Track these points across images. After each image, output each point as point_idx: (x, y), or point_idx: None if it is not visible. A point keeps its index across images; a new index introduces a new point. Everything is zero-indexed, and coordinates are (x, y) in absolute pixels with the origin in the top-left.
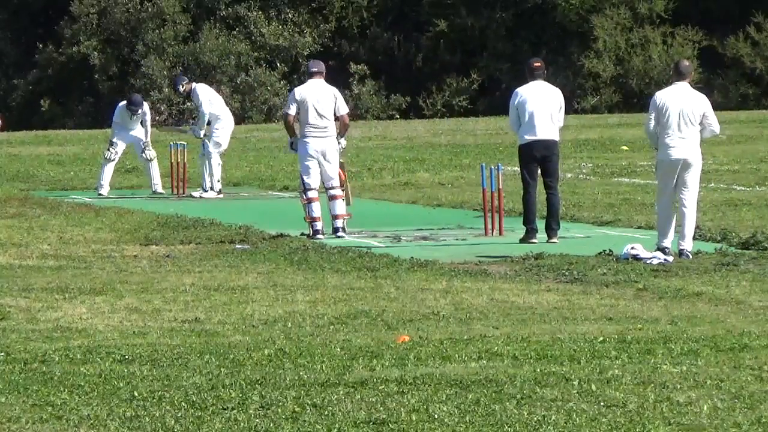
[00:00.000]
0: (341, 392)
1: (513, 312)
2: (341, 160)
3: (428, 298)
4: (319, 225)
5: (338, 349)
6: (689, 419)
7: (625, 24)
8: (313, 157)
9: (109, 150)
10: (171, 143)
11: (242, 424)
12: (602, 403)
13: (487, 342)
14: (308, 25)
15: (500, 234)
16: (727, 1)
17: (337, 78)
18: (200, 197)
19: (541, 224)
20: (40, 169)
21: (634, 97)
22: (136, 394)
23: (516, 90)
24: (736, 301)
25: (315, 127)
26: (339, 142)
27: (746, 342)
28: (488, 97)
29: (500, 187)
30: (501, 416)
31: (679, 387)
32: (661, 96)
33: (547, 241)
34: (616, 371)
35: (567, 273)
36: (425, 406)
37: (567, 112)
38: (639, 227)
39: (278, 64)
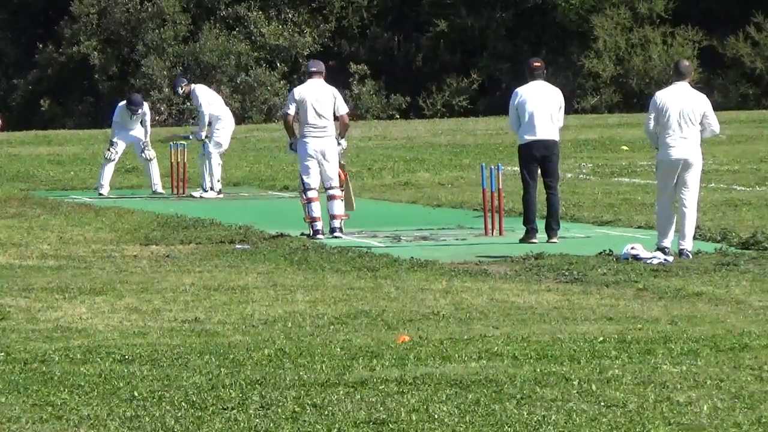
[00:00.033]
0: (341, 392)
1: (513, 312)
2: (342, 162)
3: (428, 298)
4: (319, 225)
5: (338, 349)
6: (689, 419)
7: (625, 24)
8: (313, 157)
9: (109, 150)
10: (171, 143)
11: (242, 424)
12: (602, 403)
13: (487, 342)
14: (308, 25)
15: (500, 234)
16: (727, 1)
17: (337, 78)
18: (200, 197)
19: (541, 224)
20: (40, 169)
21: (634, 97)
22: (136, 394)
23: (516, 90)
24: (736, 301)
25: (314, 127)
26: (340, 143)
27: (746, 342)
28: (488, 97)
29: (500, 187)
30: (501, 416)
31: (679, 387)
32: (662, 96)
33: (547, 241)
34: (616, 371)
35: (567, 273)
36: (425, 406)
37: (567, 112)
38: (639, 227)
39: (278, 64)
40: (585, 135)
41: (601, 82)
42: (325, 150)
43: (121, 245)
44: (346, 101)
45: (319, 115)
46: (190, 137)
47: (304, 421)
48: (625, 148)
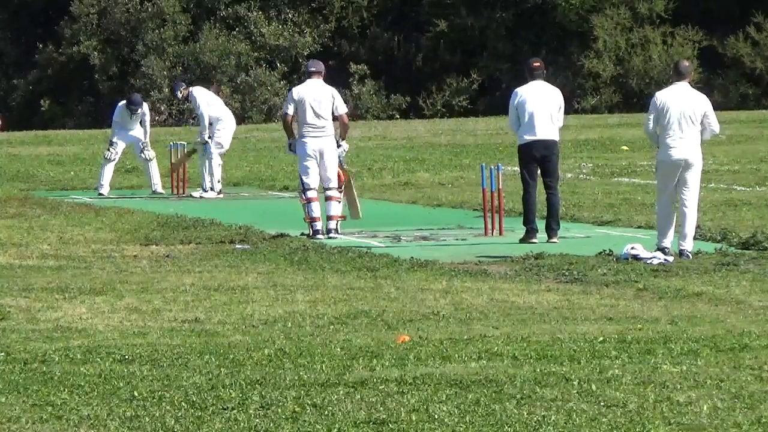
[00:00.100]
0: (341, 392)
1: (513, 312)
2: (345, 167)
3: (428, 298)
4: (318, 225)
5: (338, 349)
6: (689, 419)
7: (625, 24)
8: (312, 157)
9: (109, 150)
10: (171, 143)
11: (242, 424)
12: (602, 403)
13: (487, 342)
14: (308, 25)
15: (500, 234)
16: (727, 1)
17: (337, 78)
18: (200, 197)
19: (541, 224)
20: (40, 169)
21: (634, 97)
22: (136, 394)
23: (516, 90)
24: (736, 301)
25: (313, 127)
26: (341, 145)
27: (746, 342)
28: (488, 97)
29: (500, 187)
30: (501, 416)
31: (679, 387)
32: (662, 96)
33: (547, 241)
34: (616, 371)
35: (567, 273)
36: (425, 406)
37: (567, 112)
38: (639, 227)
39: (278, 64)
40: (585, 135)
41: (601, 82)
42: (323, 149)
43: (121, 245)
44: (346, 101)
45: (318, 115)
46: (196, 145)
47: (304, 421)
48: (625, 148)
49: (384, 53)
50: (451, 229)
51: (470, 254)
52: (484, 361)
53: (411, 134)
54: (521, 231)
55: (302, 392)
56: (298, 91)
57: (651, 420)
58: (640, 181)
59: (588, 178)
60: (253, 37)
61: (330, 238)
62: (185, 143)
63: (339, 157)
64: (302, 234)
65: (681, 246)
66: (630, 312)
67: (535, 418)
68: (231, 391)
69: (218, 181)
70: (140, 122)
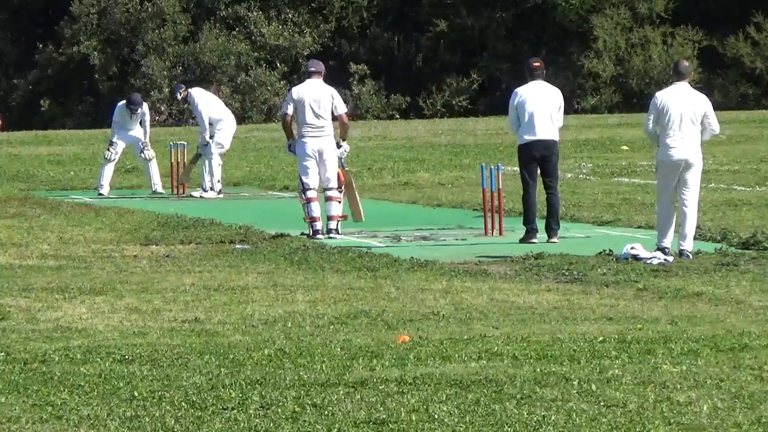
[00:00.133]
0: (341, 392)
1: (513, 312)
2: (347, 169)
3: (428, 298)
4: (318, 225)
5: (338, 349)
6: (689, 419)
7: (625, 24)
8: (311, 157)
9: (108, 150)
10: (171, 143)
11: (242, 424)
12: (602, 403)
13: (487, 342)
14: (308, 25)
15: (500, 234)
16: (727, 1)
17: (337, 78)
18: (200, 197)
19: (541, 224)
20: (40, 169)
21: (634, 97)
22: (136, 394)
23: (515, 90)
24: (736, 301)
25: (312, 127)
26: (341, 146)
27: (746, 342)
28: (488, 97)
29: (500, 187)
30: (501, 416)
31: (679, 387)
32: (662, 96)
33: (547, 241)
34: (616, 371)
35: (567, 273)
36: (425, 406)
37: (567, 112)
38: (639, 227)
39: (278, 64)
40: (585, 135)
41: (601, 82)
42: (323, 149)
43: (121, 245)
44: (346, 101)
45: (317, 115)
46: (199, 149)
47: (304, 421)
48: (625, 148)
49: (384, 53)
50: (451, 229)
51: (470, 254)
52: (484, 361)
53: (411, 134)
54: (521, 231)
55: (302, 392)
56: (297, 91)
57: (651, 420)
58: (640, 181)
59: (588, 178)
60: (253, 37)
61: (330, 238)
62: (185, 143)
63: (340, 157)
64: (302, 234)
65: (681, 246)
66: (630, 312)
67: (535, 418)
68: (231, 391)
69: (218, 181)
70: (140, 122)
